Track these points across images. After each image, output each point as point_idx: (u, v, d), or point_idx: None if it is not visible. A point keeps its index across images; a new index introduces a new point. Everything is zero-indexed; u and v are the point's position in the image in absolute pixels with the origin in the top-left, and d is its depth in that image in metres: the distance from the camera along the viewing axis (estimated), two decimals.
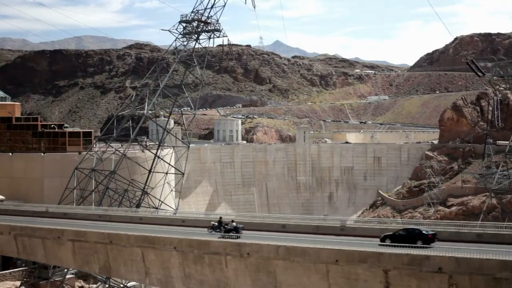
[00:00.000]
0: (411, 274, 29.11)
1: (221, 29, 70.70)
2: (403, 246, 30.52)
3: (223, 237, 37.00)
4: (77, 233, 44.36)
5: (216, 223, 39.82)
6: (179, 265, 38.00)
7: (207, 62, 77.86)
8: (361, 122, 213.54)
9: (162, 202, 68.79)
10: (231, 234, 37.22)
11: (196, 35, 70.94)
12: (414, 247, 30.46)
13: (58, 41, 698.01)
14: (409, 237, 32.05)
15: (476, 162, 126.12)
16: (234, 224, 38.64)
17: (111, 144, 72.06)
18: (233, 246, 35.35)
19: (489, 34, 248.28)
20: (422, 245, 30.95)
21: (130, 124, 73.60)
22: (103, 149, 71.26)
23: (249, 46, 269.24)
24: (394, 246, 31.07)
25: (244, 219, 45.45)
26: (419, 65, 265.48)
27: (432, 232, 32.63)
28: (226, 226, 38.60)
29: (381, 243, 32.87)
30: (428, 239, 31.71)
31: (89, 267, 45.87)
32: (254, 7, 74.45)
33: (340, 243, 32.74)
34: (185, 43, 71.49)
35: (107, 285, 60.85)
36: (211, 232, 39.12)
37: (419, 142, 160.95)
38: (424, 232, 32.32)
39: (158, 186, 70.19)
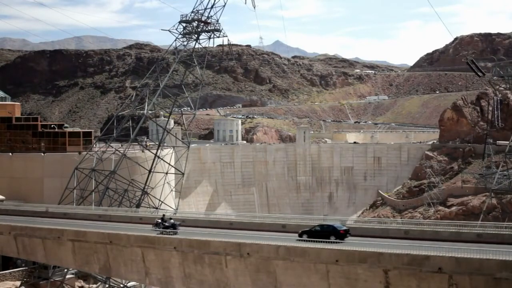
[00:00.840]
0: (411, 274, 29.11)
1: (221, 29, 70.79)
2: (317, 241, 33.11)
3: (161, 233, 39.93)
4: (77, 233, 44.38)
5: (159, 220, 42.13)
6: (179, 265, 38.01)
7: (207, 62, 77.88)
8: (355, 122, 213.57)
9: (162, 202, 68.79)
10: (169, 230, 40.25)
11: (196, 35, 70.95)
12: (328, 242, 32.99)
13: (58, 41, 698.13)
14: (324, 232, 34.64)
15: (476, 162, 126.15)
16: (172, 221, 41.58)
17: (111, 144, 72.06)
18: (233, 246, 35.36)
19: (489, 34, 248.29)
20: (335, 240, 33.55)
21: (130, 124, 73.59)
22: (103, 149, 71.27)
23: (249, 46, 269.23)
24: (310, 241, 33.61)
25: (244, 219, 45.62)
26: (419, 65, 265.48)
27: (345, 228, 35.27)
28: (164, 223, 41.17)
29: (298, 238, 35.25)
30: (340, 235, 34.44)
31: (89, 267, 45.88)
32: (254, 7, 74.46)
33: (340, 243, 32.75)
34: (185, 43, 71.50)
35: (107, 285, 60.85)
36: (155, 228, 41.46)
37: (419, 142, 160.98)
38: (337, 228, 35.00)
39: (158, 186, 70.20)
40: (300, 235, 35.45)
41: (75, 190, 66.81)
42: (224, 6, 69.12)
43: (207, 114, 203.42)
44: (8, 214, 56.71)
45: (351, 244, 32.38)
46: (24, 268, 62.20)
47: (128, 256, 41.15)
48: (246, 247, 34.75)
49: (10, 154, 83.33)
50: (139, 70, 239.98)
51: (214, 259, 36.19)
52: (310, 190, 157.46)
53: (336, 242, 33.16)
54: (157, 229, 41.02)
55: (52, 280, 59.93)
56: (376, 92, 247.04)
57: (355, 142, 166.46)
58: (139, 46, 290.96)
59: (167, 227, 40.48)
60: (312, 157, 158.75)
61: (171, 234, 39.23)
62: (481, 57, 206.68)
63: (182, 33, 71.45)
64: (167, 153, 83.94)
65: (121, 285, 61.08)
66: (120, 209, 60.30)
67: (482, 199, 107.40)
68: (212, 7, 69.08)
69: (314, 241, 33.35)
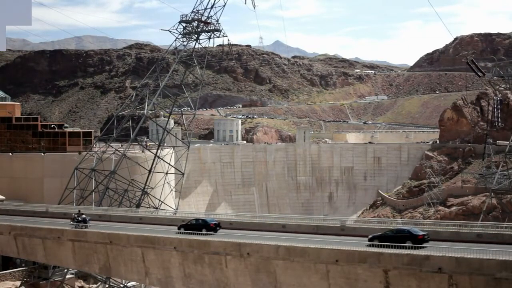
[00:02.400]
0: (411, 274, 29.11)
1: (221, 29, 70.79)
2: (192, 233, 38.76)
3: (75, 227, 45.07)
4: (77, 233, 44.44)
5: (76, 215, 46.81)
6: (179, 265, 38.03)
7: (207, 62, 77.89)
8: (343, 121, 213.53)
9: (162, 202, 68.79)
10: (80, 224, 45.32)
11: (196, 35, 70.96)
12: (200, 234, 38.64)
13: (58, 41, 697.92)
14: (197, 225, 40.41)
15: (476, 162, 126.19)
16: (83, 216, 46.44)
17: (111, 144, 72.06)
18: (233, 246, 35.38)
19: (489, 34, 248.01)
20: (207, 232, 39.19)
21: (130, 124, 73.66)
22: (103, 149, 71.27)
23: (249, 46, 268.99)
24: (187, 233, 38.97)
25: (244, 219, 45.65)
26: (419, 65, 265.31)
27: (215, 222, 40.76)
28: (78, 218, 45.97)
29: (177, 231, 40.58)
30: (210, 228, 40.01)
31: (89, 267, 45.92)
32: (254, 7, 74.41)
33: (340, 243, 32.75)
34: (185, 43, 71.51)
35: (107, 285, 60.84)
36: (71, 222, 46.18)
37: (419, 142, 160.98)
38: (208, 221, 40.71)
39: (158, 186, 70.19)
40: (179, 228, 41.00)
41: (75, 190, 66.81)
42: (224, 6, 69.21)
43: (212, 114, 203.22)
44: (8, 214, 56.71)
45: (230, 236, 37.34)
46: (24, 268, 62.16)
47: (128, 256, 41.16)
48: (246, 247, 34.77)
49: (10, 154, 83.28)
50: (139, 70, 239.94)
51: (214, 259, 36.20)
52: (310, 190, 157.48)
53: (209, 234, 38.96)
54: (72, 223, 45.85)
55: (52, 280, 59.89)
56: (376, 92, 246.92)
57: (370, 142, 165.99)
58: (139, 46, 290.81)
59: (79, 221, 45.52)
60: (312, 157, 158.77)
61: (83, 228, 44.47)
62: (481, 57, 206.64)
63: (182, 33, 71.46)
64: (167, 153, 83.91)
65: (121, 285, 61.07)
66: (120, 209, 60.30)
67: (482, 199, 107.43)
68: (212, 7, 69.13)
69: (188, 233, 38.94)
